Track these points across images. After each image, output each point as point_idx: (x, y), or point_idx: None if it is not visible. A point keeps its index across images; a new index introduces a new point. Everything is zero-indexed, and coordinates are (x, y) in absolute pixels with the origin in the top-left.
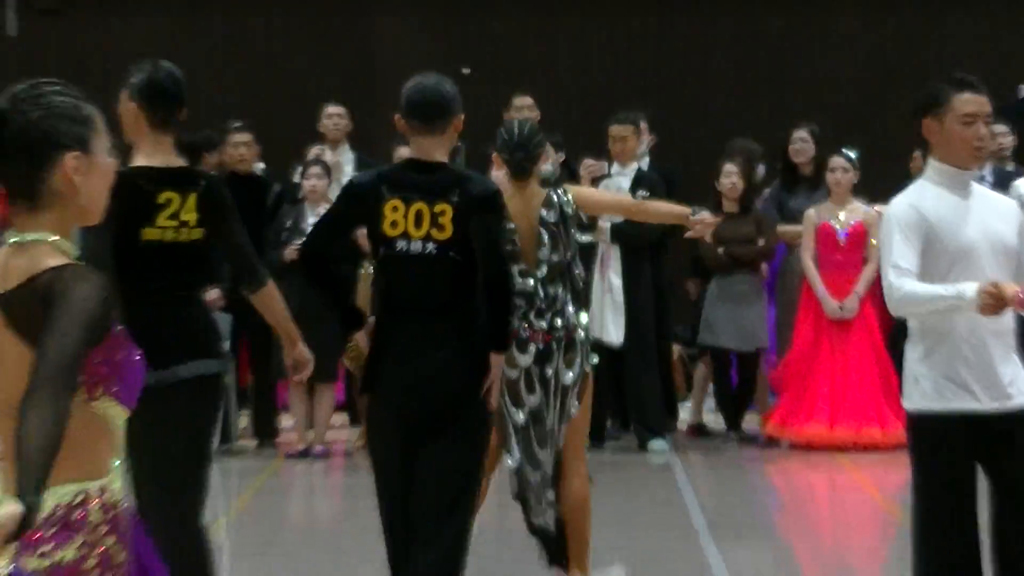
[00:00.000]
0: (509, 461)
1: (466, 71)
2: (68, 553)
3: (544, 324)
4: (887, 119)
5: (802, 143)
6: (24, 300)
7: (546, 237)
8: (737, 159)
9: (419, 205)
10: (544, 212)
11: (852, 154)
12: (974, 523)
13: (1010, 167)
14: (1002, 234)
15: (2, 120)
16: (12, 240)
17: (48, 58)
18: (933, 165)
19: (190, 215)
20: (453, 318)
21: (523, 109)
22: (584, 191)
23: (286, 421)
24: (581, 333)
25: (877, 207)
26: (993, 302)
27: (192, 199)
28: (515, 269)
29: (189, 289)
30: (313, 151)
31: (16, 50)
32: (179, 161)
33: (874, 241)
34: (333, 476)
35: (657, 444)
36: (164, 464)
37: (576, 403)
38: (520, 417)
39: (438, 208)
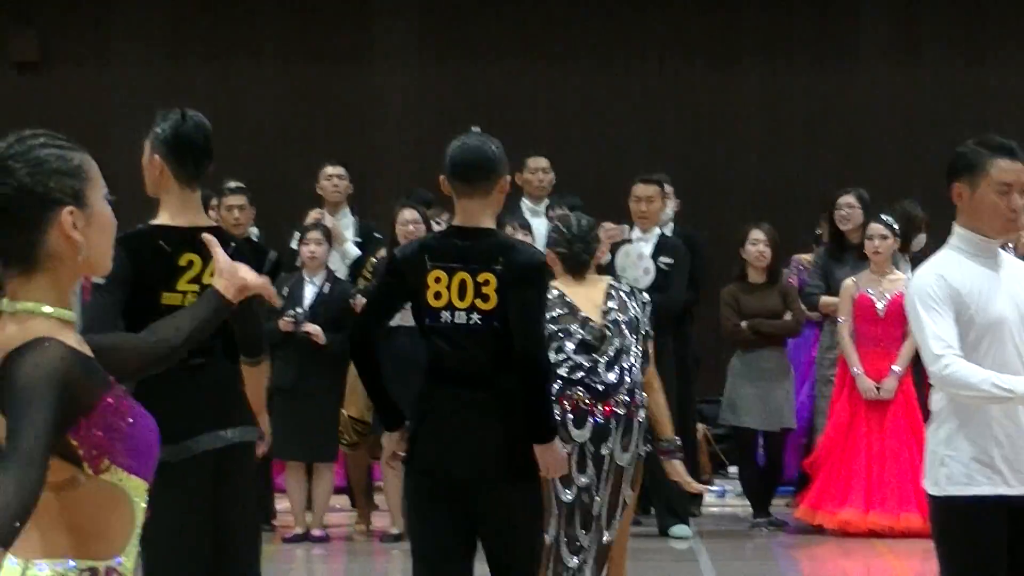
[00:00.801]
0: (546, 537)
1: (475, 129)
2: None
3: (607, 385)
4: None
5: (849, 209)
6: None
7: (614, 293)
8: (765, 226)
9: (463, 275)
10: (611, 282)
11: (891, 219)
12: None
13: None
14: None
15: None
16: (3, 309)
17: (28, 113)
18: (959, 232)
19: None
20: (499, 389)
21: (538, 172)
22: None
23: (282, 503)
24: (641, 414)
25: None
26: None
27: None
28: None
29: (209, 355)
30: (312, 215)
31: None
32: (206, 220)
33: None
34: (333, 561)
35: (680, 530)
36: (196, 546)
37: (630, 491)
38: (567, 496)
39: (482, 278)
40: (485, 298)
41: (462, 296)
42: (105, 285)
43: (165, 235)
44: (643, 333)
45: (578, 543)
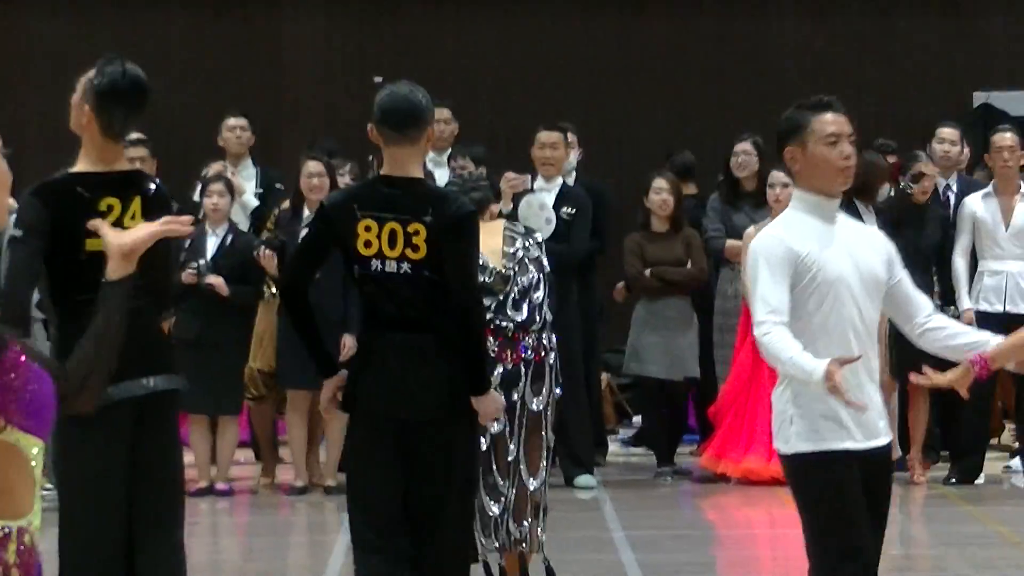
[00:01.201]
0: None
1: (378, 79)
2: None
3: (516, 323)
4: None
5: (745, 156)
6: None
7: (515, 235)
8: (668, 174)
9: (393, 224)
10: (507, 225)
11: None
12: (867, 547)
13: (976, 177)
14: (871, 265)
15: None
16: None
17: None
18: (798, 195)
19: (135, 222)
20: (434, 334)
21: (440, 122)
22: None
23: (187, 457)
24: (551, 357)
25: None
26: (831, 388)
27: (136, 204)
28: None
29: (137, 301)
30: (214, 167)
31: None
32: (124, 164)
33: None
34: (238, 515)
35: (584, 479)
36: (112, 496)
37: (552, 434)
38: (481, 444)
39: (412, 228)
40: (415, 248)
41: (392, 245)
42: (22, 237)
43: (83, 181)
44: (547, 272)
45: (498, 490)
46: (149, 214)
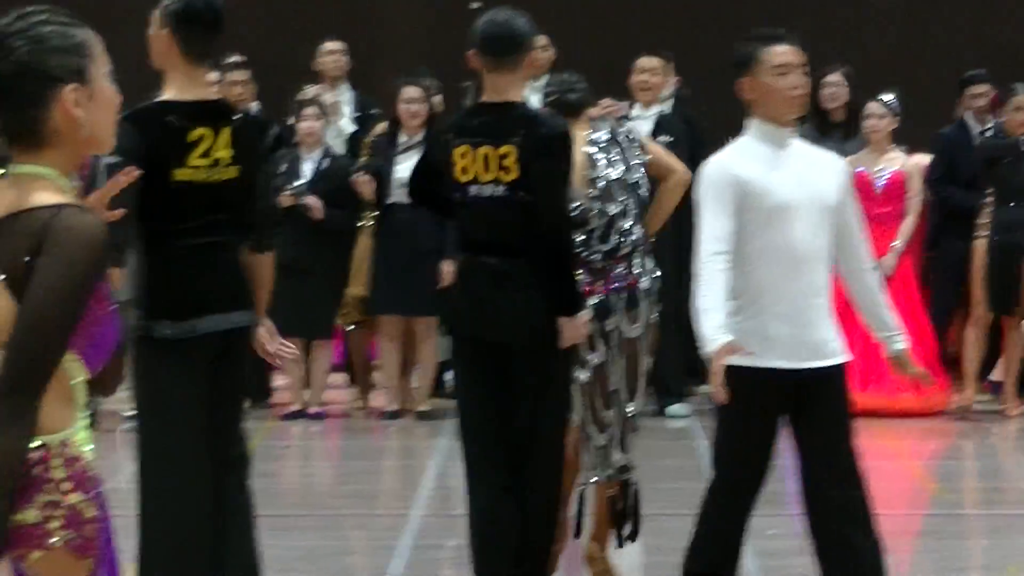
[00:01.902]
0: (574, 417)
1: (476, 5)
2: (29, 515)
3: (604, 253)
4: (929, 58)
5: (835, 87)
6: (8, 236)
7: (600, 156)
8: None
9: (486, 149)
10: (593, 135)
11: (889, 99)
12: (764, 475)
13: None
14: (822, 190)
15: None
16: (4, 172)
17: None
18: (753, 124)
19: (224, 152)
20: (528, 258)
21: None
22: (657, 150)
23: (280, 380)
24: (645, 282)
25: (917, 156)
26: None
27: (226, 134)
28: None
29: (222, 234)
30: (311, 91)
31: None
32: (212, 94)
33: (916, 196)
34: (330, 439)
35: (676, 408)
36: (192, 423)
37: (649, 359)
38: (583, 376)
39: (503, 150)
40: (507, 170)
41: (487, 169)
42: (117, 163)
43: (174, 110)
44: (639, 193)
45: (604, 421)
46: (238, 144)
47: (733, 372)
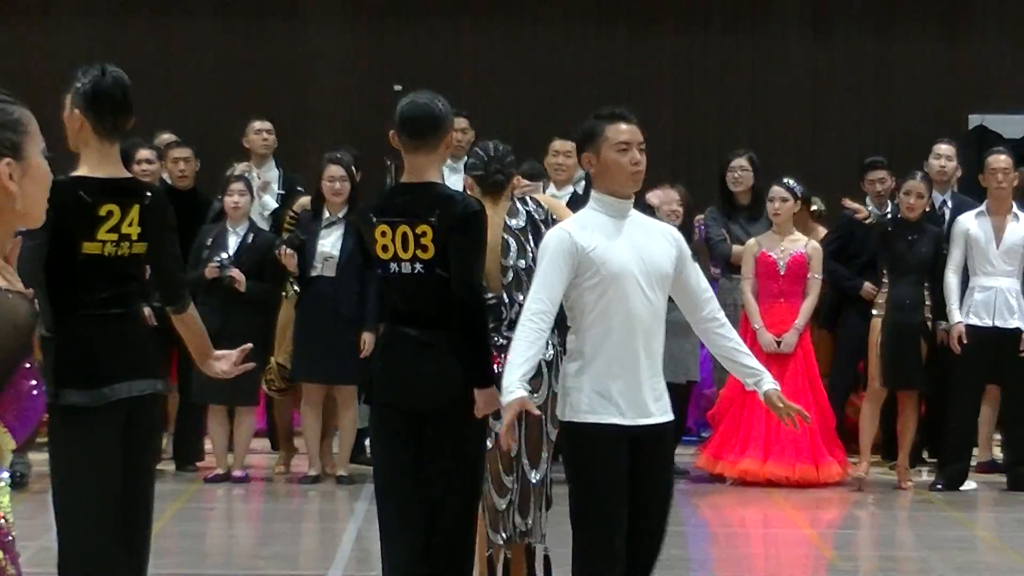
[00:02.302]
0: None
1: (398, 88)
2: None
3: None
4: (835, 148)
5: (741, 171)
6: None
7: (512, 244)
8: (680, 188)
9: (404, 228)
10: (509, 220)
11: (791, 183)
12: (621, 520)
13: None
14: (657, 259)
15: None
16: None
17: None
18: (594, 196)
19: (133, 228)
20: (446, 330)
21: (457, 131)
22: (556, 202)
23: (206, 444)
24: (549, 352)
25: (812, 238)
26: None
27: (135, 212)
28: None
29: (128, 305)
30: (239, 167)
31: None
32: (124, 172)
33: (816, 275)
34: (252, 501)
35: None
36: (108, 486)
37: (553, 428)
38: (488, 442)
39: (420, 229)
40: (424, 248)
41: (405, 247)
42: (28, 231)
43: (85, 186)
44: None
45: (504, 486)
46: (146, 221)
47: (577, 431)
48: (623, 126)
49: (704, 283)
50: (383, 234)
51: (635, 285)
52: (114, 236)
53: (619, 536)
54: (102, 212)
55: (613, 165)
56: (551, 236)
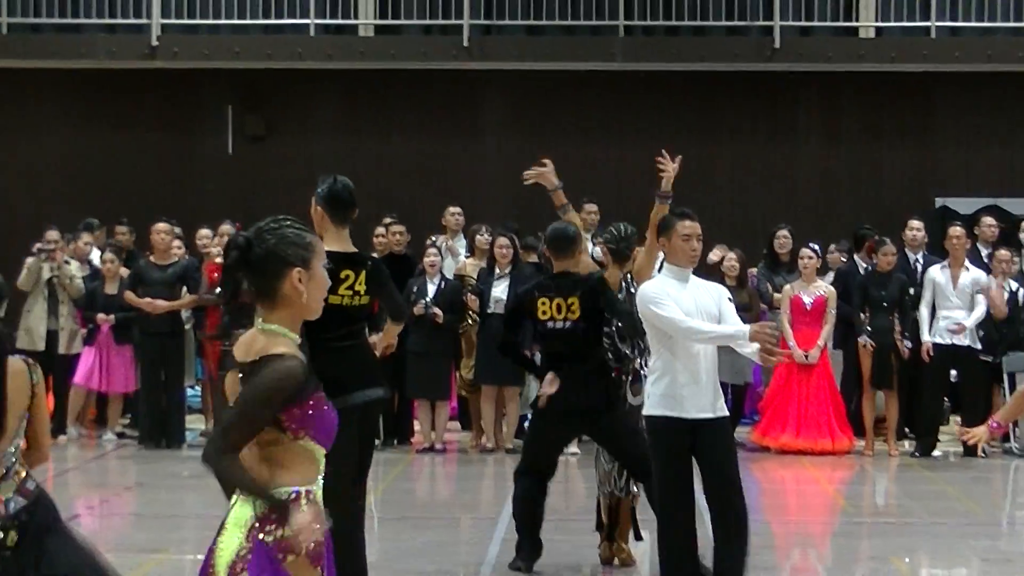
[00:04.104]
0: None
1: (528, 182)
2: (287, 531)
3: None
4: (842, 221)
5: (784, 239)
6: (259, 367)
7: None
8: (736, 250)
9: (559, 300)
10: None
11: (815, 246)
12: (692, 495)
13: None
14: (707, 304)
15: (248, 246)
16: (258, 326)
17: (256, 172)
18: (667, 266)
19: (361, 286)
20: (591, 361)
21: (591, 213)
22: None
23: (416, 427)
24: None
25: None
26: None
27: (363, 275)
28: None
29: (357, 338)
30: (440, 239)
31: (233, 165)
32: (353, 248)
33: (832, 311)
34: (449, 466)
35: None
36: (350, 461)
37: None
38: None
39: (570, 301)
40: (572, 311)
41: (559, 312)
42: None
43: (330, 257)
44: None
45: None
46: (370, 282)
47: (655, 421)
48: (688, 222)
49: (735, 316)
50: (543, 303)
51: (696, 320)
52: (350, 292)
53: (691, 505)
54: (342, 275)
55: (679, 249)
56: (652, 288)
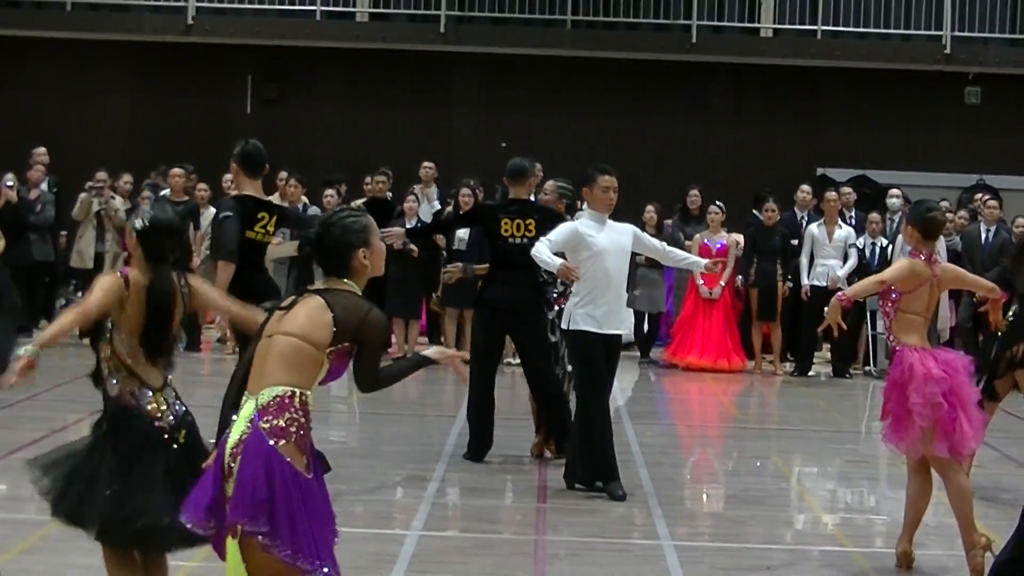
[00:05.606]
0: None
1: (504, 144)
2: (281, 421)
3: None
4: (744, 185)
5: (695, 197)
6: (338, 294)
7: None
8: (655, 204)
9: (519, 220)
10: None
11: (721, 203)
12: (604, 381)
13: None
14: (621, 241)
15: (320, 237)
16: (328, 282)
17: (270, 130)
18: (588, 211)
19: (271, 227)
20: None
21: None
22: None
23: (393, 339)
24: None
25: (735, 235)
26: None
27: (274, 219)
28: None
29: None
30: (417, 188)
31: (251, 124)
32: (264, 196)
33: (735, 255)
34: (417, 375)
35: None
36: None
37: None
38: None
39: (528, 222)
40: (530, 230)
41: (519, 230)
42: (232, 218)
43: (248, 200)
44: None
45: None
46: (280, 223)
47: (575, 336)
48: (607, 177)
49: (658, 242)
50: (505, 222)
51: (609, 255)
52: (263, 230)
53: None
54: (258, 216)
55: (598, 199)
56: (568, 223)
